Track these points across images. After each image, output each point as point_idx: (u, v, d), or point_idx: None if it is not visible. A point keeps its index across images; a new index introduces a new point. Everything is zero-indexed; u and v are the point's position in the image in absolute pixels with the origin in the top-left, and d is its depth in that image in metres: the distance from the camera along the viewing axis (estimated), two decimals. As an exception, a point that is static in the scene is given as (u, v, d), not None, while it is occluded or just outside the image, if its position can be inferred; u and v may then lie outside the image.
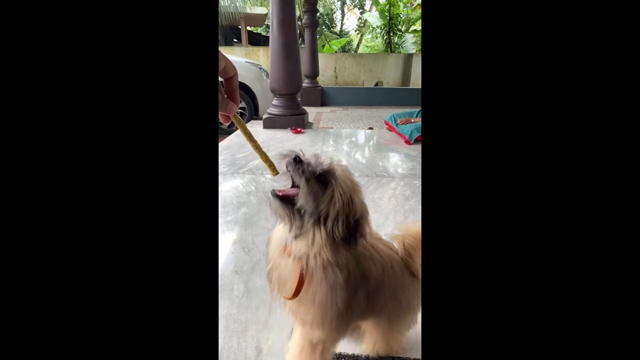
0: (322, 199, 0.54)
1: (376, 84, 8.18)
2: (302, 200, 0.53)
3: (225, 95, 0.48)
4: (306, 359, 0.66)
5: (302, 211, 0.54)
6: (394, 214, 1.56)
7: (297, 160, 0.54)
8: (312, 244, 0.55)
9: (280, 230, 0.61)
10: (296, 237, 0.56)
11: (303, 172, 0.53)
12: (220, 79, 0.45)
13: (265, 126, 3.38)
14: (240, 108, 3.94)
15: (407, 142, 2.82)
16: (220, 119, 0.50)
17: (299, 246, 0.56)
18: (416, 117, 3.29)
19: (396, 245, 0.72)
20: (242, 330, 0.89)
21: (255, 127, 3.43)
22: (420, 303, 0.74)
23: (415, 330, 0.84)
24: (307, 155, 0.57)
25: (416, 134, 2.79)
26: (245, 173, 2.08)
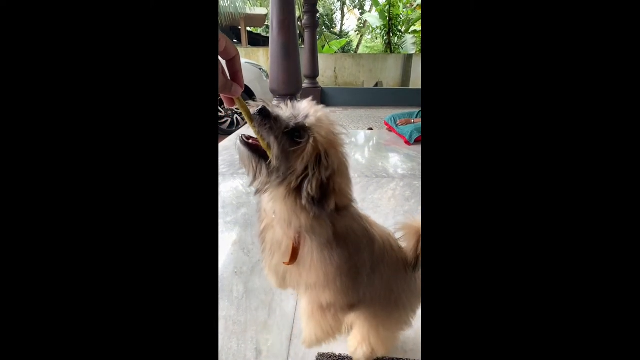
0: (294, 157, 0.47)
1: (376, 85, 8.19)
2: (275, 161, 0.47)
3: (229, 77, 0.46)
4: (318, 323, 0.62)
5: (272, 169, 0.48)
6: (394, 215, 1.56)
7: (264, 114, 0.47)
8: (285, 207, 0.50)
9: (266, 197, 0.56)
10: (258, 191, 0.50)
11: (271, 128, 0.47)
12: (222, 60, 0.43)
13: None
14: (240, 108, 3.94)
15: (407, 142, 2.82)
16: (225, 102, 0.47)
17: (276, 208, 0.51)
18: (416, 117, 3.29)
19: (407, 236, 0.67)
20: (242, 332, 0.89)
21: (255, 128, 3.42)
22: (411, 302, 0.71)
23: (415, 331, 0.84)
24: (283, 106, 0.51)
25: (416, 135, 2.79)
26: (245, 174, 2.07)
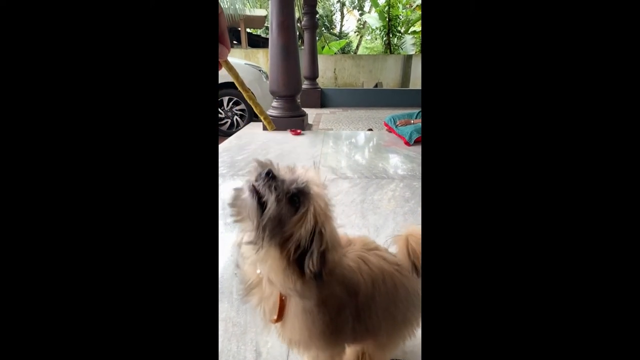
0: (291, 221, 0.48)
1: (376, 86, 8.19)
2: (267, 221, 0.47)
3: None
4: None
5: (265, 228, 0.47)
6: (394, 216, 1.56)
7: (270, 176, 0.48)
8: (272, 270, 0.51)
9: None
10: (252, 244, 0.49)
11: (275, 188, 0.47)
12: None
13: (265, 128, 3.38)
14: (240, 110, 3.94)
15: (407, 143, 2.82)
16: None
17: (266, 270, 0.52)
18: (415, 118, 3.29)
19: (398, 246, 0.68)
20: (241, 334, 0.89)
21: (255, 129, 3.43)
22: (417, 316, 0.71)
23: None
24: (282, 167, 0.52)
25: (415, 135, 2.80)
26: (245, 175, 2.07)
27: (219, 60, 0.44)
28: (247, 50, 8.29)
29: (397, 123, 3.21)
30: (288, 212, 0.48)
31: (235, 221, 0.52)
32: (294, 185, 0.49)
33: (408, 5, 10.15)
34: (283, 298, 0.55)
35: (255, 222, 0.48)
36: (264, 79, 4.05)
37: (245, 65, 3.99)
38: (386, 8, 9.76)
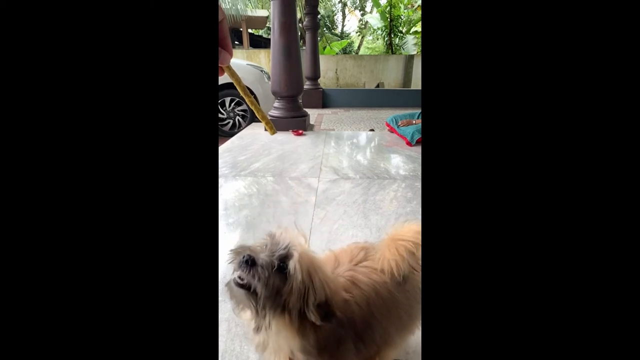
0: (284, 290, 0.51)
1: (377, 86, 8.19)
2: (263, 302, 0.50)
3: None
4: None
5: (265, 307, 0.51)
6: (396, 216, 1.56)
7: (250, 263, 0.49)
8: (278, 335, 0.53)
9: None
10: (257, 329, 0.53)
11: (259, 278, 0.49)
12: None
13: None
14: (242, 110, 3.95)
15: (409, 143, 2.82)
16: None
17: (269, 340, 0.55)
18: (417, 118, 3.29)
19: (386, 252, 0.68)
20: (244, 334, 0.89)
21: (257, 130, 3.43)
22: (413, 319, 0.72)
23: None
24: (263, 237, 0.55)
25: (417, 136, 2.79)
26: (247, 175, 2.08)
27: (221, 66, 0.45)
28: (249, 51, 8.30)
29: (399, 123, 3.20)
30: (280, 283, 0.51)
31: (239, 312, 0.55)
32: (275, 256, 0.51)
33: (410, 6, 10.15)
34: None
35: (253, 310, 0.51)
36: (266, 80, 4.05)
37: (247, 66, 4.00)
38: (388, 8, 9.75)
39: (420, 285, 0.71)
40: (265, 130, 3.32)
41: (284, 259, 0.52)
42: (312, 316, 0.52)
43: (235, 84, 0.49)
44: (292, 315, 0.52)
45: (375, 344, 0.65)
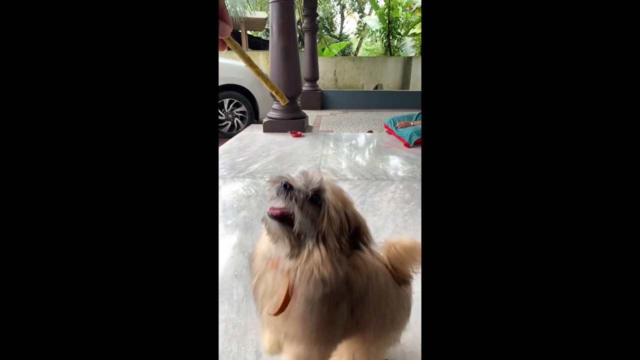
0: (319, 220, 0.54)
1: (376, 87, 8.20)
2: (299, 227, 0.53)
3: None
4: None
5: (301, 235, 0.54)
6: (394, 217, 1.56)
7: (288, 187, 0.53)
8: (307, 260, 0.55)
9: (265, 242, 0.60)
10: (291, 257, 0.55)
11: (296, 200, 0.53)
12: None
13: (266, 130, 3.39)
14: (241, 112, 3.95)
15: (407, 145, 2.83)
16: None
17: (290, 261, 0.56)
18: (415, 120, 3.30)
19: (383, 254, 0.71)
20: (242, 335, 0.89)
21: (256, 131, 3.44)
22: (404, 319, 0.72)
23: (414, 334, 0.84)
24: (296, 173, 0.58)
25: (415, 137, 2.80)
26: (245, 177, 2.08)
27: (222, 38, 0.43)
28: (248, 53, 8.30)
29: (397, 125, 3.21)
30: (315, 212, 0.54)
31: (275, 243, 0.57)
32: (310, 188, 0.55)
33: (408, 8, 10.19)
34: (289, 292, 0.56)
35: (287, 240, 0.54)
36: (265, 81, 4.05)
37: (246, 68, 4.00)
38: (386, 10, 9.79)
39: (409, 295, 0.73)
40: (275, 99, 3.32)
41: (317, 192, 0.55)
42: (344, 245, 0.55)
43: (239, 56, 0.48)
44: (326, 245, 0.55)
45: (358, 325, 0.66)
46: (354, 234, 0.57)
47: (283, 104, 0.56)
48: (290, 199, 0.53)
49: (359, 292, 0.62)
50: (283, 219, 0.54)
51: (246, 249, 1.29)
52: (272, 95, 0.52)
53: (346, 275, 0.61)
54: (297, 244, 0.54)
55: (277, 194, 0.54)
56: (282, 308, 0.57)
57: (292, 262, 0.55)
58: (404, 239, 0.71)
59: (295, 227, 0.53)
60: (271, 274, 0.59)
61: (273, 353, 0.71)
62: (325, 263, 0.55)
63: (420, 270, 0.71)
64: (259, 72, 0.50)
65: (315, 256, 0.55)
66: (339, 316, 0.61)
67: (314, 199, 0.54)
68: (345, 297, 0.61)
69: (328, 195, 0.55)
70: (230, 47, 0.46)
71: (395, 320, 0.70)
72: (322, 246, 0.55)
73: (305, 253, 0.55)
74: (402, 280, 0.70)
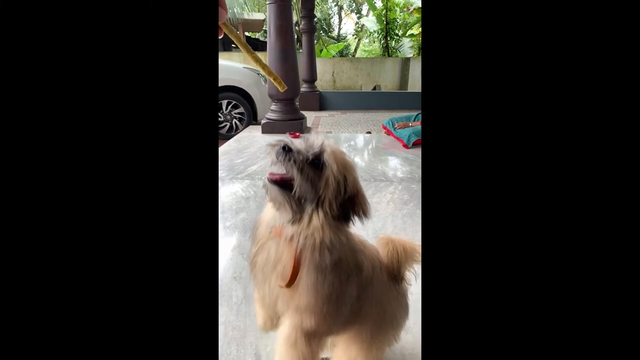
0: (319, 184, 0.53)
1: (374, 88, 8.22)
2: (299, 190, 0.51)
3: None
4: (303, 351, 0.59)
5: (302, 199, 0.53)
6: (392, 218, 1.56)
7: (287, 150, 0.52)
8: (308, 226, 0.53)
9: (270, 211, 0.58)
10: (293, 222, 0.54)
11: (295, 161, 0.52)
12: None
13: (264, 131, 3.39)
14: (239, 113, 3.95)
15: (405, 146, 2.83)
16: None
17: (292, 227, 0.54)
18: (414, 121, 3.30)
19: (380, 250, 0.70)
20: (241, 337, 0.89)
21: (254, 132, 3.43)
22: (403, 318, 0.71)
23: (413, 335, 0.84)
24: (296, 141, 0.56)
25: (414, 138, 2.80)
26: (244, 178, 2.08)
27: (219, 23, 0.43)
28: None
29: (396, 126, 3.21)
30: (315, 176, 0.53)
31: (277, 209, 0.55)
32: (311, 152, 0.53)
33: (405, 9, 10.22)
34: (297, 261, 0.54)
35: (288, 205, 0.53)
36: (263, 83, 4.06)
37: (244, 69, 4.00)
38: (384, 11, 9.81)
39: (406, 293, 0.72)
40: (263, 132, 3.32)
41: (318, 155, 0.53)
42: (333, 207, 0.53)
43: (235, 41, 0.48)
44: (326, 211, 0.53)
45: (359, 315, 0.64)
46: (347, 201, 0.55)
47: (282, 90, 0.56)
48: (289, 160, 0.51)
49: (365, 278, 0.62)
50: (283, 184, 0.52)
51: (245, 251, 1.28)
52: (270, 81, 0.51)
53: (354, 251, 0.59)
54: (298, 209, 0.53)
55: (277, 157, 0.52)
56: (293, 279, 0.54)
57: (295, 227, 0.54)
58: (401, 237, 0.71)
59: (294, 191, 0.52)
60: (274, 243, 0.57)
61: (267, 329, 0.68)
62: (324, 228, 0.53)
63: (416, 270, 0.71)
64: (256, 59, 0.50)
65: (314, 221, 0.53)
66: (349, 292, 0.59)
67: (315, 163, 0.53)
68: (354, 275, 0.59)
69: (328, 158, 0.53)
70: (226, 32, 0.45)
71: (395, 318, 0.70)
72: (320, 211, 0.53)
73: (306, 218, 0.53)
74: (399, 278, 0.70)
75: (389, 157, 2.57)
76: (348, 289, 0.59)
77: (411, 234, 1.42)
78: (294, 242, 0.54)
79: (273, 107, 3.43)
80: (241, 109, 3.94)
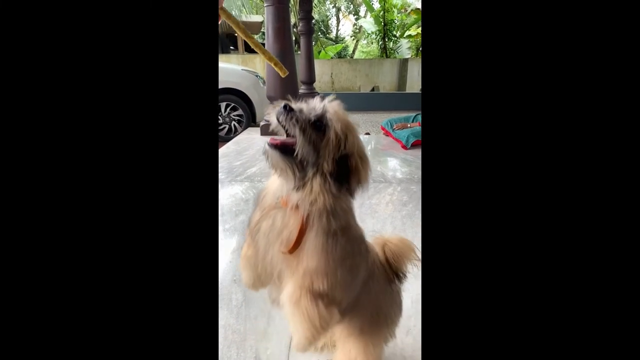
0: (322, 146, 0.51)
1: (372, 89, 8.22)
2: (301, 152, 0.50)
3: None
4: (306, 312, 0.54)
5: (304, 162, 0.51)
6: (392, 220, 1.56)
7: (288, 109, 0.50)
8: (311, 192, 0.51)
9: (276, 182, 0.57)
10: (297, 189, 0.52)
11: (297, 120, 0.50)
12: None
13: (263, 133, 3.38)
14: (238, 115, 3.95)
15: (404, 147, 2.83)
16: None
17: (297, 194, 0.53)
18: (412, 122, 3.31)
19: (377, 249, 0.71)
20: (241, 341, 0.88)
21: (253, 134, 3.43)
22: (397, 316, 0.71)
23: (413, 337, 0.84)
24: (299, 103, 0.54)
25: (412, 139, 2.80)
26: (243, 180, 2.07)
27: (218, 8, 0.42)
28: (244, 56, 8.32)
29: (394, 127, 3.21)
30: (317, 138, 0.51)
31: (280, 176, 0.54)
32: (313, 113, 0.52)
33: (403, 10, 10.25)
34: (303, 227, 0.53)
35: (290, 170, 0.51)
36: (261, 84, 4.06)
37: (242, 71, 4.01)
38: (381, 12, 9.84)
39: (400, 291, 0.72)
40: (262, 135, 3.31)
41: (321, 117, 0.52)
42: (328, 165, 0.51)
43: (234, 27, 0.47)
44: (324, 173, 0.51)
45: (357, 305, 0.63)
46: (343, 158, 0.52)
47: (283, 76, 0.55)
48: (291, 120, 0.50)
49: (371, 265, 0.61)
50: (284, 149, 0.50)
51: (244, 254, 1.28)
52: (268, 62, 0.52)
53: (360, 233, 0.58)
54: (301, 174, 0.51)
55: (278, 118, 0.51)
56: (297, 244, 0.53)
57: (300, 194, 0.52)
58: (397, 236, 0.71)
59: (297, 153, 0.50)
60: (281, 212, 0.55)
61: (256, 288, 0.66)
62: (324, 193, 0.51)
63: (412, 270, 0.71)
64: (255, 43, 0.50)
65: (314, 186, 0.51)
66: (359, 263, 0.57)
67: (317, 124, 0.51)
68: (365, 252, 0.58)
69: (331, 118, 0.51)
70: (224, 17, 0.45)
71: (389, 315, 0.69)
72: (319, 176, 0.51)
73: (309, 184, 0.51)
74: (395, 276, 0.70)
75: (388, 158, 2.57)
76: (360, 259, 0.57)
77: (410, 235, 1.42)
78: (300, 209, 0.52)
79: (271, 110, 3.43)
80: (240, 111, 3.94)
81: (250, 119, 4.03)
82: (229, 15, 0.45)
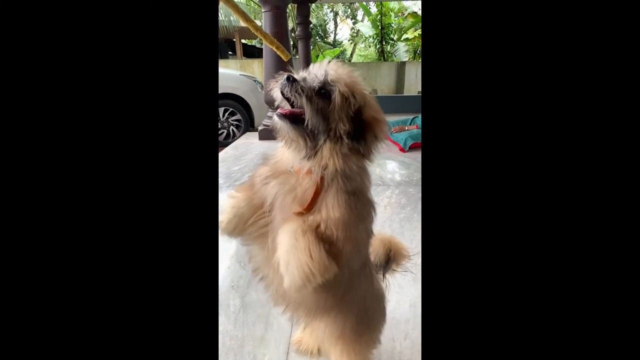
0: (329, 111, 0.50)
1: (370, 93, 8.25)
2: (311, 122, 0.49)
3: None
4: (311, 245, 0.50)
5: (315, 131, 0.50)
6: (390, 222, 1.56)
7: (291, 80, 0.50)
8: (323, 158, 0.51)
9: (285, 153, 0.56)
10: (309, 157, 0.52)
11: (302, 90, 0.49)
12: None
13: (261, 137, 3.39)
14: (236, 120, 3.96)
15: (402, 149, 2.84)
16: None
17: (309, 162, 0.53)
18: (410, 124, 3.32)
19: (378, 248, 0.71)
20: (239, 347, 0.88)
21: (251, 139, 3.44)
22: (381, 322, 0.71)
23: (412, 341, 0.84)
24: (300, 74, 0.54)
25: (410, 142, 2.81)
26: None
27: None
28: (243, 61, 8.36)
29: (392, 130, 3.22)
30: (325, 105, 0.50)
31: (290, 147, 0.54)
32: (316, 81, 0.51)
33: (400, 13, 10.31)
34: (318, 188, 0.53)
35: (302, 139, 0.51)
36: (259, 89, 4.08)
37: (240, 76, 4.02)
38: (379, 16, 9.90)
39: (384, 295, 0.72)
40: (260, 139, 3.32)
41: (325, 83, 0.51)
42: (344, 124, 0.50)
43: (233, 12, 0.47)
44: (338, 136, 0.51)
45: (351, 298, 0.63)
46: (357, 113, 0.51)
47: (285, 59, 0.55)
48: (296, 91, 0.49)
49: (366, 256, 0.63)
50: (293, 118, 0.50)
51: (242, 259, 1.28)
52: (270, 46, 0.52)
53: (372, 200, 0.59)
54: (313, 144, 0.51)
55: (282, 91, 0.51)
56: (312, 202, 0.52)
57: (311, 162, 0.52)
58: (385, 234, 0.74)
59: (306, 122, 0.49)
60: (294, 178, 0.55)
61: (231, 234, 0.65)
62: (336, 156, 0.51)
63: (408, 275, 0.73)
64: (256, 27, 0.50)
65: (325, 151, 0.51)
66: (370, 232, 0.60)
67: (322, 92, 0.51)
68: (370, 222, 0.59)
69: (334, 79, 0.51)
70: (223, 2, 0.45)
71: (373, 318, 0.68)
72: (330, 141, 0.51)
73: (320, 151, 0.51)
74: (390, 271, 0.72)
75: (386, 161, 2.58)
76: (369, 228, 0.58)
77: (409, 238, 1.42)
78: (313, 174, 0.53)
79: (270, 113, 3.44)
80: (238, 116, 3.95)
81: (248, 124, 4.04)
82: (228, 0, 0.46)
